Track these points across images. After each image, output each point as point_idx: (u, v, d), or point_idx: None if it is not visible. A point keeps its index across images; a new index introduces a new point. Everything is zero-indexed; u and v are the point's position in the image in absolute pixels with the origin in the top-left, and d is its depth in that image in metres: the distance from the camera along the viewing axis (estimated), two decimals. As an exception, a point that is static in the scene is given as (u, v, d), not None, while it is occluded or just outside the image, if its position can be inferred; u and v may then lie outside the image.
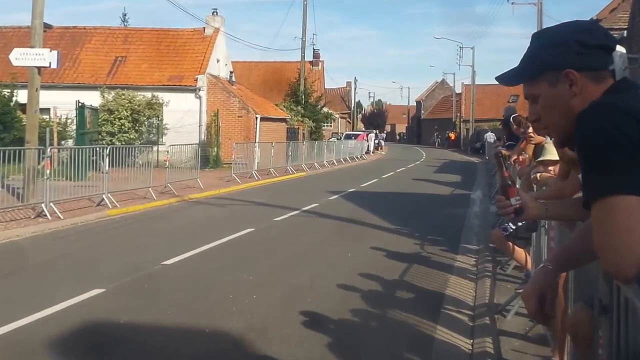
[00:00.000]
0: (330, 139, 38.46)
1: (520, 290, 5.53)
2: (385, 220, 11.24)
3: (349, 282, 6.67)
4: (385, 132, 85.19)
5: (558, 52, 1.76)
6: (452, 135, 59.90)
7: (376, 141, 46.25)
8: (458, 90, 63.26)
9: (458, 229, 10.39)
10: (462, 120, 58.04)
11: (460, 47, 57.06)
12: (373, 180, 20.35)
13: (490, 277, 6.87)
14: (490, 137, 35.72)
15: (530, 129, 6.01)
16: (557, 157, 3.01)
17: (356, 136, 41.85)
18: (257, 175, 20.09)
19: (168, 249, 8.30)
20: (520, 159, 6.86)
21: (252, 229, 10.15)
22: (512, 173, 4.47)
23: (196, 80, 24.73)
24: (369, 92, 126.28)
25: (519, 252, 5.77)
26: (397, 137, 70.51)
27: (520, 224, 4.38)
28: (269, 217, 11.50)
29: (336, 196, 15.31)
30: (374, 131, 49.67)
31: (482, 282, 6.73)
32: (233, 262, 7.82)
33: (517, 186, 2.53)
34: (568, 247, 2.05)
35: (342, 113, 60.60)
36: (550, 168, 4.86)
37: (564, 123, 1.77)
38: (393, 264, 7.73)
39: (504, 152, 7.23)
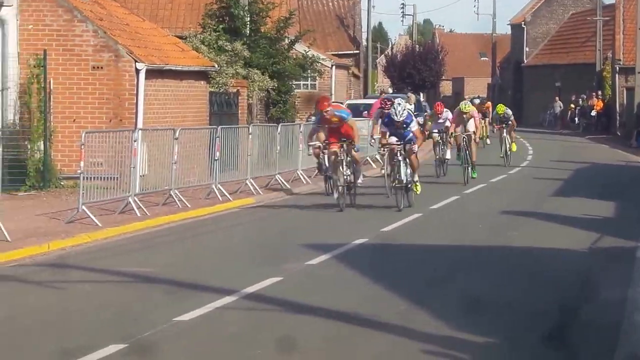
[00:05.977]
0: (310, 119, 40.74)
1: None
2: (438, 318, 10.78)
3: None
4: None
5: None
6: (598, 104, 56.39)
7: (419, 118, 40.92)
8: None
9: (608, 344, 9.85)
10: (617, 68, 53.55)
11: None
12: (410, 217, 19.37)
13: None
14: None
15: None
16: None
17: (369, 109, 37.00)
18: (139, 207, 18.75)
19: None
20: None
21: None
22: None
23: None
24: (402, 5, 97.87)
25: None
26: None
27: None
28: (167, 316, 10.65)
29: (326, 256, 14.92)
30: (410, 96, 43.00)
31: None
32: None
33: None
34: None
35: (341, 55, 55.85)
36: None
37: None
38: None
39: None
